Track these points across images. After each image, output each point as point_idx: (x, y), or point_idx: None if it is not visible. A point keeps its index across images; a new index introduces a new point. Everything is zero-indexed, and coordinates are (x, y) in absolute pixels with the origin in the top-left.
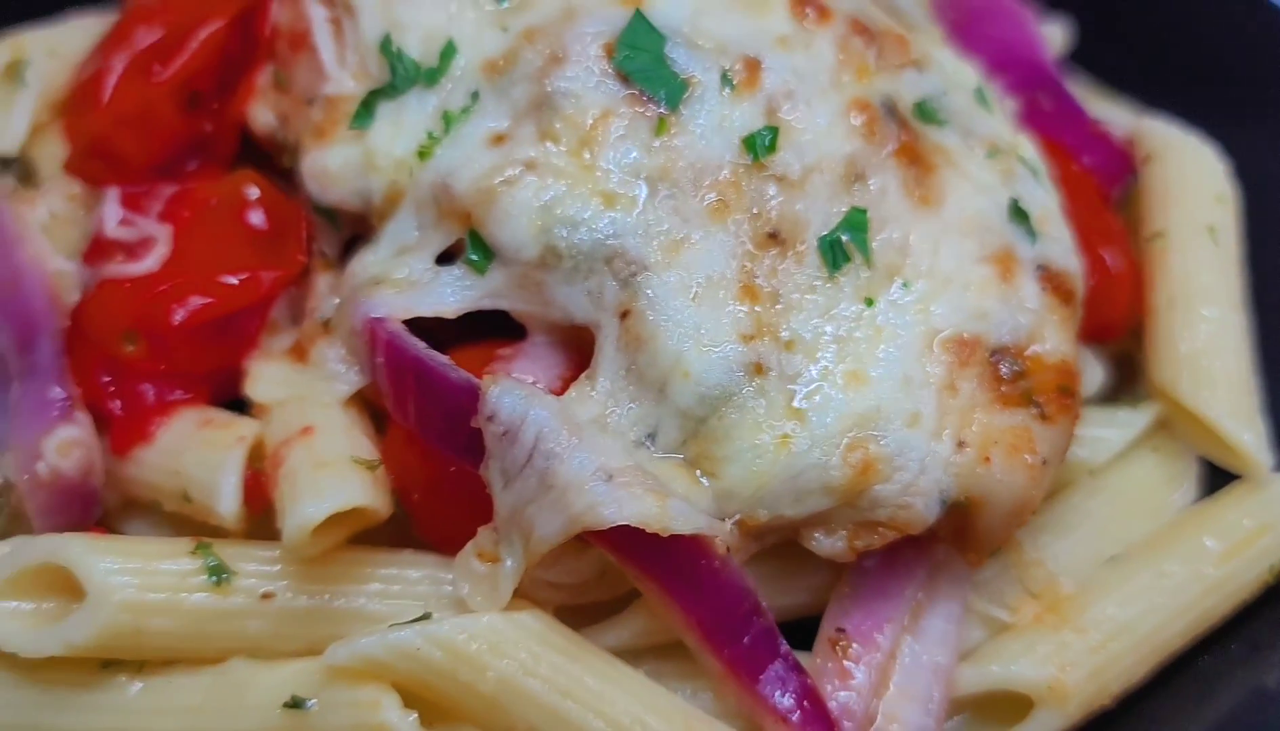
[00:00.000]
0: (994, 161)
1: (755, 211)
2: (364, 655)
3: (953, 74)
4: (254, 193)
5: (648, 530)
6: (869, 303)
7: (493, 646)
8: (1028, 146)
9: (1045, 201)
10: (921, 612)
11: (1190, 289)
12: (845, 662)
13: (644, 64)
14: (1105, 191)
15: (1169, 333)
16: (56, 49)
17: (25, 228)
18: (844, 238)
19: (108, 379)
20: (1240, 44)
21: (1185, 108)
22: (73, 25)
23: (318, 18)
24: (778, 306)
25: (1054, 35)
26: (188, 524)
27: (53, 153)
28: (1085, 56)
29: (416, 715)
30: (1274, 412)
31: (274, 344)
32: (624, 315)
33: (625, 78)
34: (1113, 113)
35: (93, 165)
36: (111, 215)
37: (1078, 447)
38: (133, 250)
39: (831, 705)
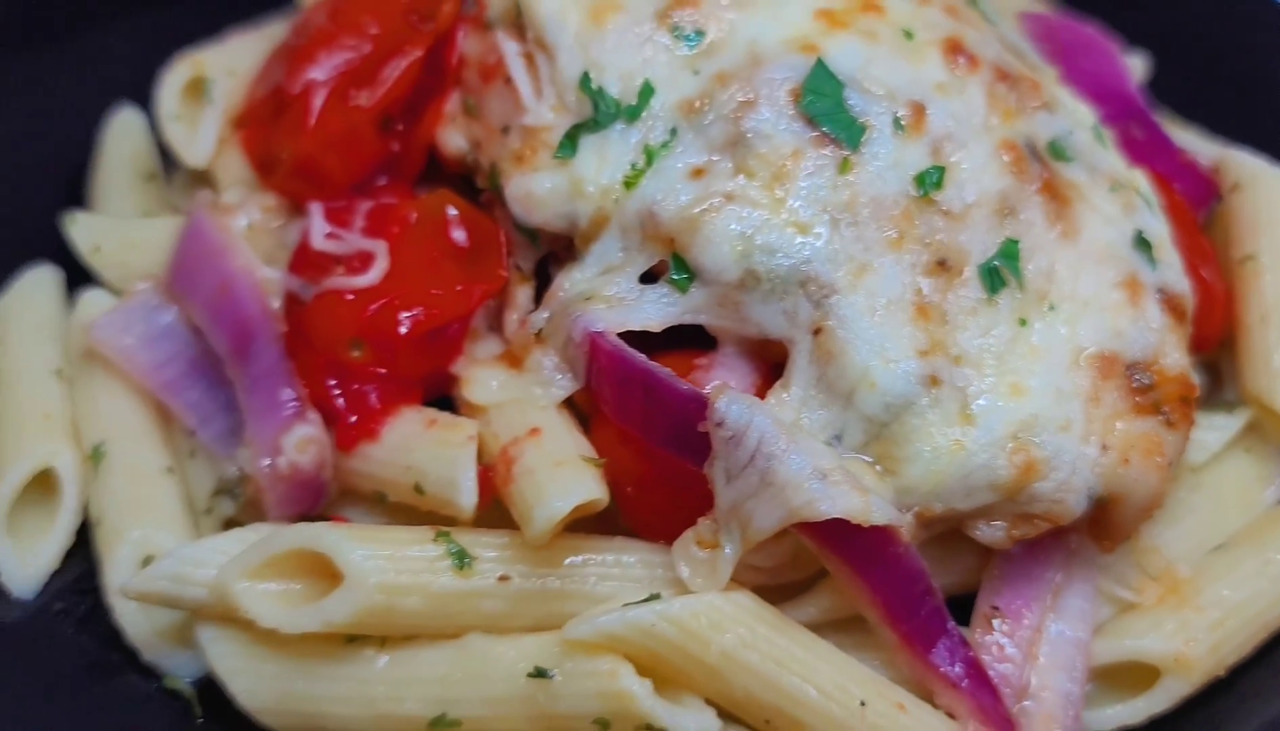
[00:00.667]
0: (1116, 195)
1: (926, 241)
2: (604, 630)
3: (1074, 113)
4: (453, 211)
5: (852, 521)
6: (1023, 323)
7: (715, 623)
8: (1142, 180)
9: (1160, 231)
10: (1060, 592)
11: None
12: (1000, 637)
13: (827, 108)
14: (1193, 216)
15: (1263, 347)
16: (234, 68)
17: (232, 237)
18: (1000, 265)
19: (333, 382)
20: None
21: (1257, 138)
22: (241, 44)
23: (511, 52)
24: (946, 326)
25: (1136, 66)
26: (406, 513)
27: (229, 165)
28: (1159, 88)
29: (650, 682)
30: None
31: (477, 350)
32: (816, 332)
33: (810, 121)
34: (1194, 142)
35: (297, 182)
36: (318, 229)
37: None
38: (351, 263)
39: (991, 674)
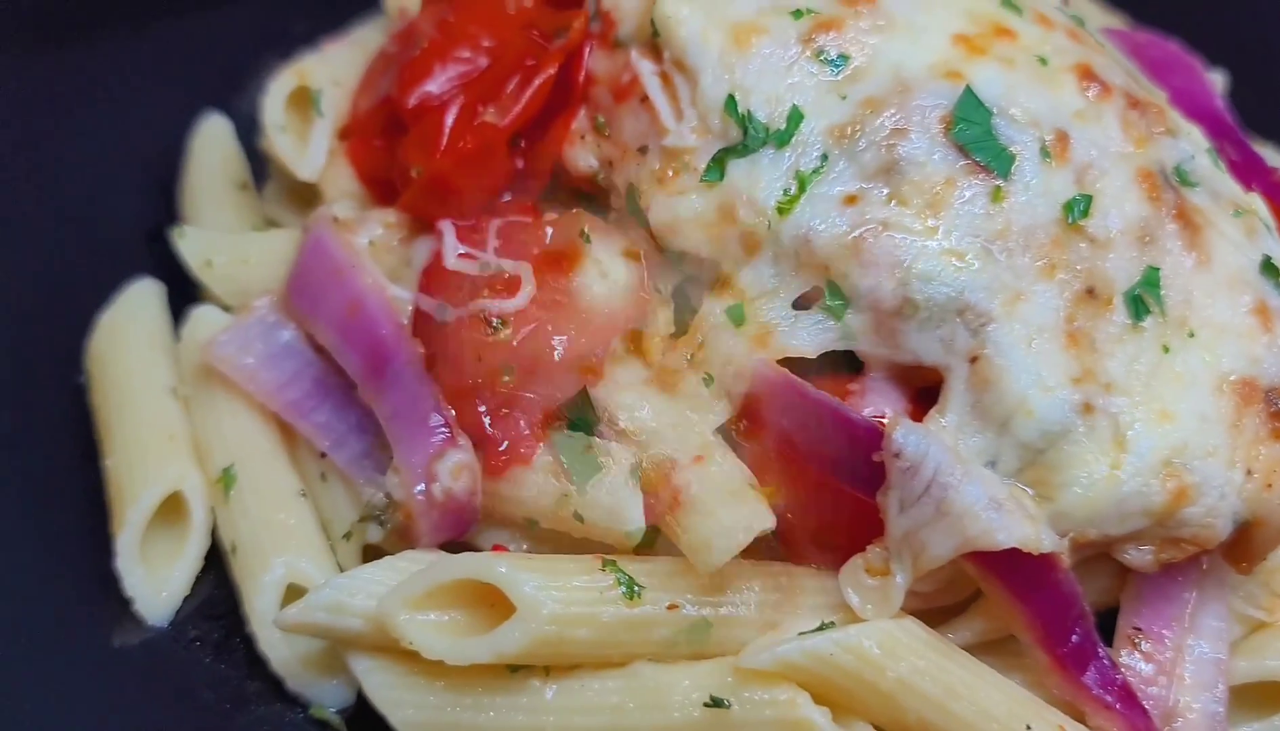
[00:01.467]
0: (1240, 220)
1: (1076, 269)
2: (783, 659)
3: (1191, 136)
4: (588, 230)
5: (1024, 549)
6: (1167, 349)
7: (890, 650)
8: (1260, 204)
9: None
10: (1197, 612)
11: None
12: (1143, 659)
13: (977, 136)
14: None
15: None
16: (339, 78)
17: (357, 255)
18: (1143, 293)
19: (483, 407)
20: None
21: None
22: (340, 53)
23: (647, 72)
24: (1096, 354)
25: (1217, 80)
26: (555, 539)
27: (336, 177)
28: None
29: (829, 710)
30: None
31: (618, 374)
32: (973, 360)
33: (962, 149)
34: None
35: (427, 201)
36: (451, 248)
37: None
38: (495, 286)
39: (1139, 695)
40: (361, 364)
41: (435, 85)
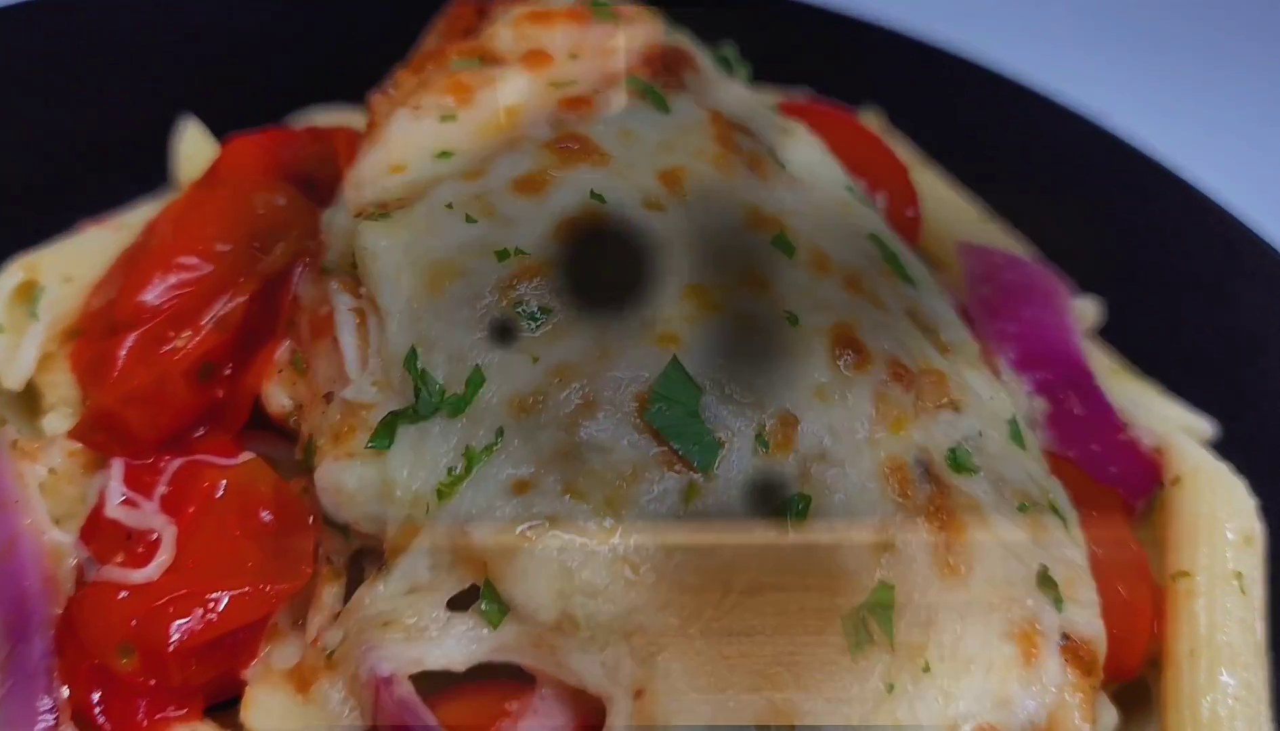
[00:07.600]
0: (1025, 515)
1: None
2: None
3: (988, 404)
4: (264, 487)
5: None
6: (891, 689)
7: None
8: (1059, 490)
9: (1074, 557)
10: None
11: (1214, 645)
12: None
13: (676, 419)
14: (1130, 504)
15: (1191, 690)
16: (71, 273)
17: (26, 489)
18: (869, 617)
19: (97, 695)
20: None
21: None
22: (86, 242)
23: (342, 307)
24: (798, 692)
25: (1086, 310)
26: None
27: (57, 382)
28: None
29: None
30: None
31: (274, 655)
32: (638, 694)
33: (656, 433)
34: (1143, 409)
35: (99, 436)
36: (114, 493)
37: None
38: (133, 551)
39: None
40: (2, 619)
41: (154, 295)
